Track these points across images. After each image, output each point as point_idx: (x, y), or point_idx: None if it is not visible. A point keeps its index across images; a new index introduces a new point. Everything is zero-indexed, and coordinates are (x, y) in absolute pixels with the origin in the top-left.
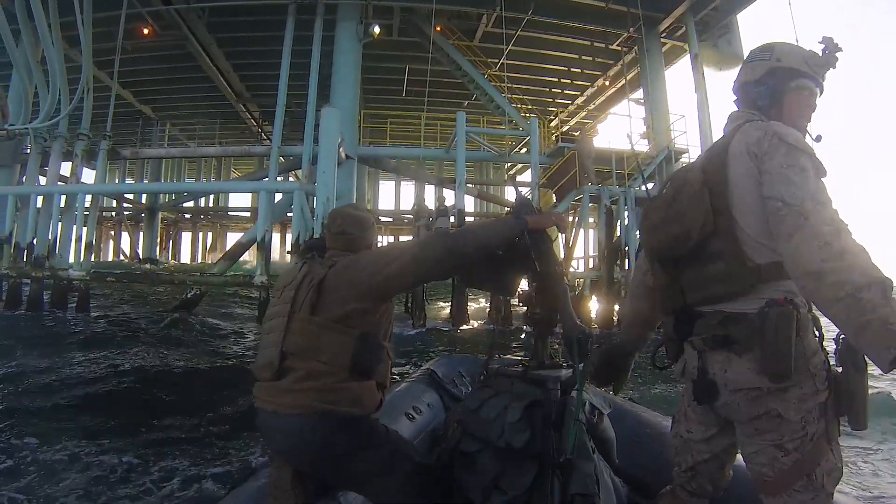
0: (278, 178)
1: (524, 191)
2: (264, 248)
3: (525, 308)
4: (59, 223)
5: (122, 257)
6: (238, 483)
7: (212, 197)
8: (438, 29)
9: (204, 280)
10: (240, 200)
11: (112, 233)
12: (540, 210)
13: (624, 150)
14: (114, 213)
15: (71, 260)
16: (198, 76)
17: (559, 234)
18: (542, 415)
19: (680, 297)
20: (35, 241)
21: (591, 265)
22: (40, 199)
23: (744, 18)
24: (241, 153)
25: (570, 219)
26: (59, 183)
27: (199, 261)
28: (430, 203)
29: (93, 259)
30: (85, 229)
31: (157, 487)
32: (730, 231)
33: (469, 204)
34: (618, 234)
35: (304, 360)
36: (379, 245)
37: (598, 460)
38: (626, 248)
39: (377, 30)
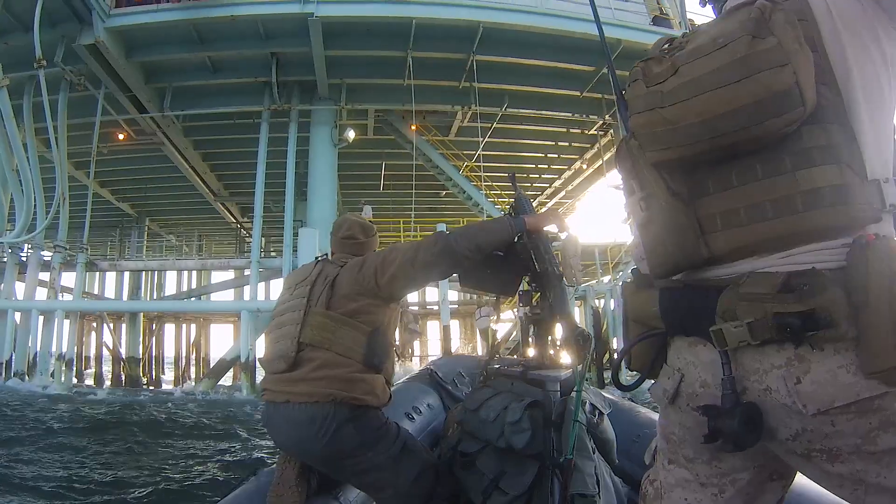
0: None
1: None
2: (248, 367)
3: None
4: (39, 335)
5: (105, 352)
6: (238, 483)
7: (194, 283)
8: (414, 127)
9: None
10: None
11: (94, 325)
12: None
13: (607, 243)
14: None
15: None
16: (175, 175)
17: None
18: (542, 415)
19: (697, 242)
20: (13, 357)
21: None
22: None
23: None
24: (220, 266)
25: None
26: (37, 294)
27: (184, 354)
28: None
29: (72, 376)
30: (65, 343)
31: None
32: (837, 113)
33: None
34: (605, 326)
35: (319, 350)
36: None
37: (598, 460)
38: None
39: (352, 135)
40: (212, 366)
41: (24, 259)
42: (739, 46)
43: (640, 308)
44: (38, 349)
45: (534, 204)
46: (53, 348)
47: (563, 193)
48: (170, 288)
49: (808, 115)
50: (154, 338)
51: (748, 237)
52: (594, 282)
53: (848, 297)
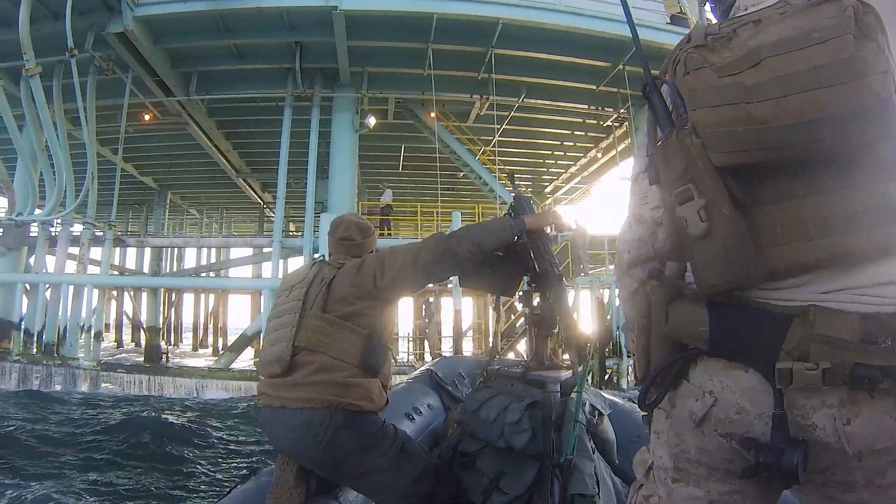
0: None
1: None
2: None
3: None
4: (69, 307)
5: (125, 319)
6: (238, 483)
7: (213, 257)
8: (433, 115)
9: (211, 375)
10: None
11: (115, 293)
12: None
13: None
14: None
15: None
16: (198, 152)
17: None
18: (542, 415)
19: (757, 257)
20: (44, 328)
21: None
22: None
23: None
24: (243, 244)
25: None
26: (67, 267)
27: (202, 321)
28: None
29: (99, 348)
30: (94, 319)
31: None
32: None
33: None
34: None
35: (315, 354)
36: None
37: (598, 460)
38: (618, 332)
39: (373, 121)
40: (230, 339)
41: (53, 235)
42: (845, 45)
43: (682, 325)
44: (68, 322)
45: (549, 188)
46: (82, 321)
47: (578, 179)
48: (189, 261)
49: None
50: (173, 307)
51: (813, 253)
52: (601, 269)
53: None
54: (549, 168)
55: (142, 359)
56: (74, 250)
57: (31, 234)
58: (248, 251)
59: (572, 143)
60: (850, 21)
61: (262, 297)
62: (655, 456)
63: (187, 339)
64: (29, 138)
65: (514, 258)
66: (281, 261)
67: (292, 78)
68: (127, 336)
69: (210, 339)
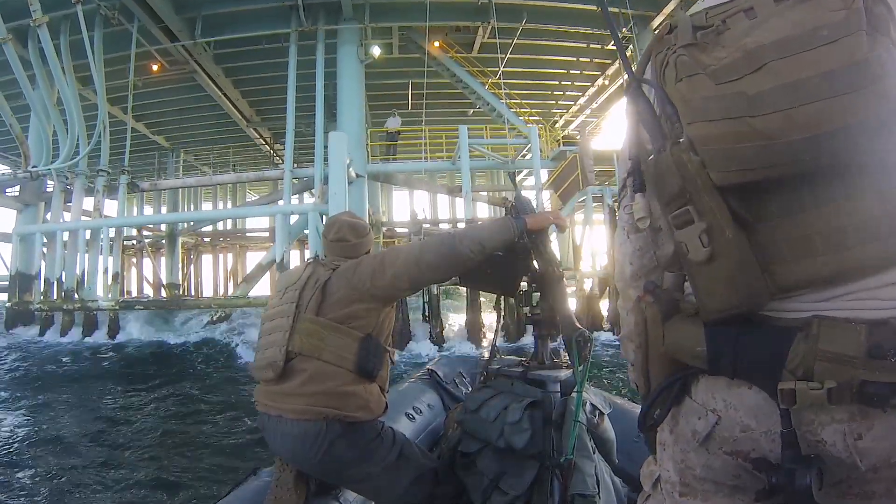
0: (293, 198)
1: (531, 194)
2: (283, 268)
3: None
4: (86, 255)
5: (145, 283)
6: (238, 483)
7: (230, 220)
8: (438, 44)
9: (227, 303)
10: (257, 222)
11: (135, 260)
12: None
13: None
14: (135, 242)
15: (99, 290)
16: (208, 105)
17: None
18: (542, 415)
19: (762, 278)
20: (63, 276)
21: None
22: (66, 234)
23: None
24: (255, 178)
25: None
26: (82, 218)
27: (221, 281)
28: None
29: (118, 289)
30: (111, 259)
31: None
32: None
33: (483, 212)
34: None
35: (309, 360)
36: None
37: (598, 460)
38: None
39: (377, 51)
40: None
41: (69, 187)
42: (858, 45)
43: (679, 344)
44: (86, 267)
45: (559, 123)
46: (100, 266)
47: (587, 112)
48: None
49: None
50: (192, 265)
51: (823, 268)
52: (607, 183)
53: None
54: (557, 101)
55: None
56: (90, 206)
57: (47, 191)
58: (260, 197)
59: (579, 72)
60: (861, 14)
61: (275, 221)
62: (662, 469)
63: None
64: (41, 94)
65: (515, 258)
66: (294, 197)
67: (296, 14)
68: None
69: None
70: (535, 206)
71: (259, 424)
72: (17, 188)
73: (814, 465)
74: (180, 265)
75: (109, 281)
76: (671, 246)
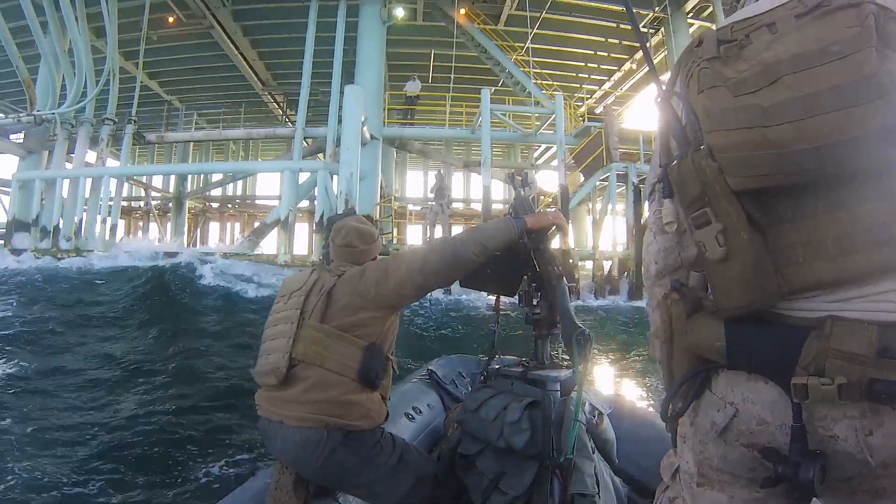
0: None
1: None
2: (288, 227)
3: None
4: (85, 207)
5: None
6: (238, 483)
7: (239, 185)
8: (464, 12)
9: (234, 257)
10: (267, 189)
11: (140, 223)
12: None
13: (652, 132)
14: (142, 204)
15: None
16: (223, 65)
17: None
18: (542, 415)
19: (776, 279)
20: (61, 223)
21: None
22: (66, 184)
23: None
24: (265, 135)
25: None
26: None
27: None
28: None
29: (113, 218)
30: (110, 208)
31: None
32: None
33: (497, 189)
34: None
35: (312, 368)
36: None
37: (598, 460)
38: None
39: (401, 12)
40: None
41: (73, 136)
42: (867, 60)
43: (700, 340)
44: (84, 216)
45: (581, 108)
46: (98, 218)
47: (612, 98)
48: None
49: None
50: (199, 230)
51: (835, 272)
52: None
53: None
54: (581, 84)
55: None
56: (93, 159)
57: (51, 140)
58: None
59: (606, 53)
60: (872, 31)
61: (283, 178)
62: (682, 460)
63: None
64: (52, 41)
65: (515, 258)
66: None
67: None
68: None
69: None
70: (534, 207)
71: (259, 430)
72: (22, 135)
73: (819, 460)
74: (186, 230)
75: (107, 234)
76: (695, 248)
